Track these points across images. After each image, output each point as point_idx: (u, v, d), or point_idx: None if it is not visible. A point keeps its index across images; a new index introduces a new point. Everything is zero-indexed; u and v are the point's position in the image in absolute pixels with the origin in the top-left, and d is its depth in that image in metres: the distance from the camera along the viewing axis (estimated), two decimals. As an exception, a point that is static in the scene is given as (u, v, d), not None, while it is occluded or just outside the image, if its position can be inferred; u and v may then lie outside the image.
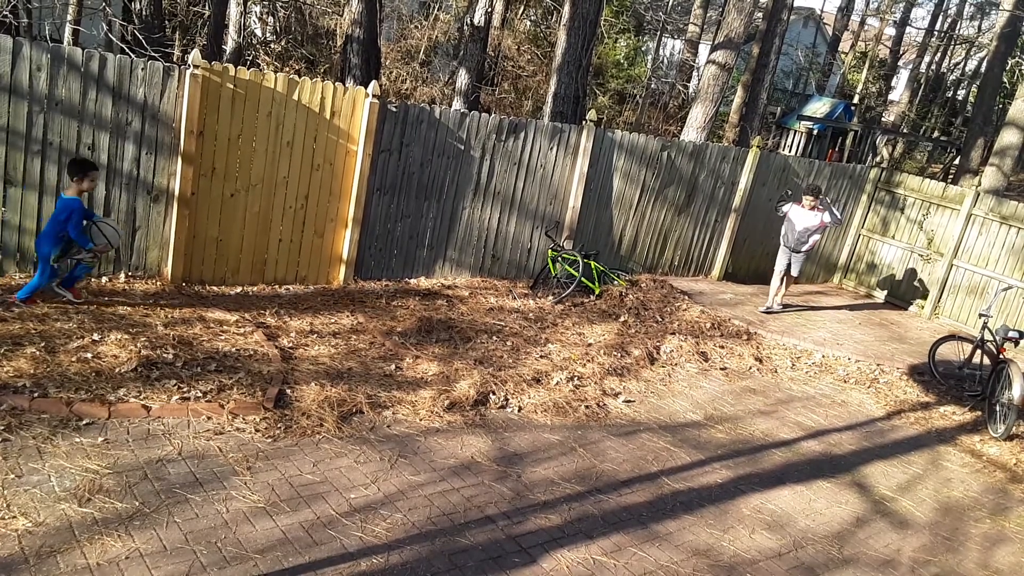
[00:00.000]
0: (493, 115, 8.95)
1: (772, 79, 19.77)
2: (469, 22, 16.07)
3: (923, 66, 32.78)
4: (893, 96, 34.98)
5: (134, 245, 7.09)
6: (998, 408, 7.60)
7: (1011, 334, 7.95)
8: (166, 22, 15.11)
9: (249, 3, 16.60)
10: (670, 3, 26.82)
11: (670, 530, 5.02)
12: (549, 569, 4.41)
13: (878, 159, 20.70)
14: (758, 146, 11.05)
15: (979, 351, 8.48)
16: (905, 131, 27.72)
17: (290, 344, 6.52)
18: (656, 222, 10.53)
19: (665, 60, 29.85)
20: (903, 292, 12.05)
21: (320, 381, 5.89)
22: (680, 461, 5.96)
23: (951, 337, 8.94)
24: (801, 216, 9.75)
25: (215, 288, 7.48)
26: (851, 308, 11.43)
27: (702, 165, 10.61)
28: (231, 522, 4.25)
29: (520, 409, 6.26)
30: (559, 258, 9.31)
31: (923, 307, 11.68)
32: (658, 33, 26.97)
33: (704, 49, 25.18)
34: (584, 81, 12.31)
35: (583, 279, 9.11)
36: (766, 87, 19.27)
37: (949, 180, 20.87)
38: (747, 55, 21.89)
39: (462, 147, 8.58)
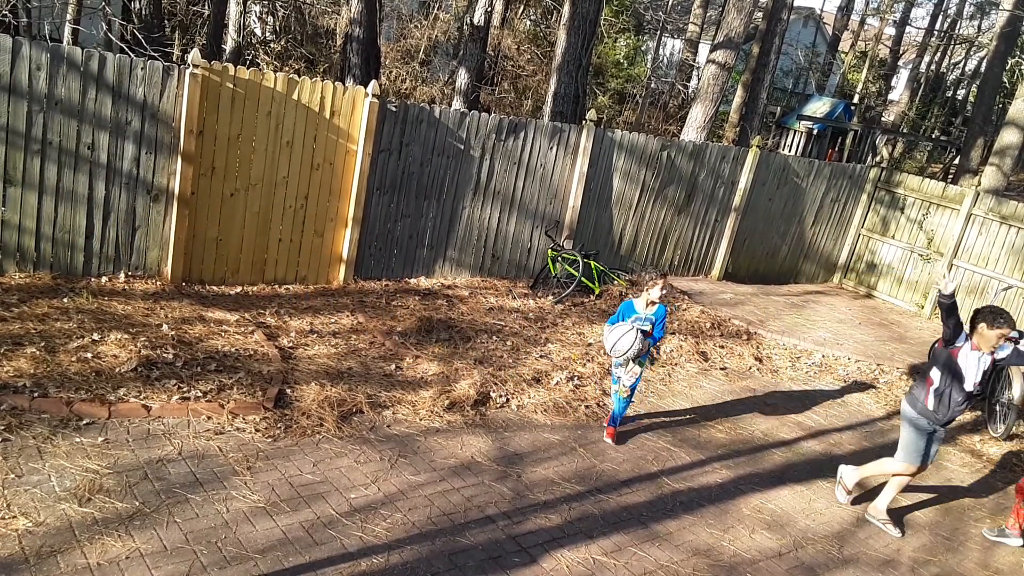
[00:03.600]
0: (493, 114, 8.95)
1: (772, 79, 19.76)
2: (469, 21, 16.07)
3: (923, 66, 32.79)
4: (893, 96, 34.99)
5: (134, 245, 7.09)
6: (998, 408, 7.60)
7: (1011, 334, 7.93)
8: (166, 22, 15.11)
9: (249, 3, 16.59)
10: (670, 3, 26.82)
11: (670, 530, 5.03)
12: (549, 569, 4.41)
13: (878, 159, 20.70)
14: (758, 146, 11.05)
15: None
16: (905, 131, 27.73)
17: (290, 344, 6.51)
18: (656, 222, 10.53)
19: (665, 60, 29.85)
20: (903, 292, 12.05)
21: (320, 381, 5.88)
22: (680, 461, 5.96)
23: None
24: (975, 363, 5.25)
25: (215, 288, 7.48)
26: (851, 308, 11.43)
27: (702, 165, 10.61)
28: (231, 522, 4.25)
29: (520, 409, 6.26)
30: (559, 258, 9.30)
31: (923, 307, 11.68)
32: (658, 33, 26.97)
33: (704, 49, 25.17)
34: (584, 81, 12.31)
35: (583, 279, 9.10)
36: (766, 87, 19.26)
37: (949, 180, 20.87)
38: (747, 55, 21.88)
39: (462, 147, 8.58)
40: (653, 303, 5.66)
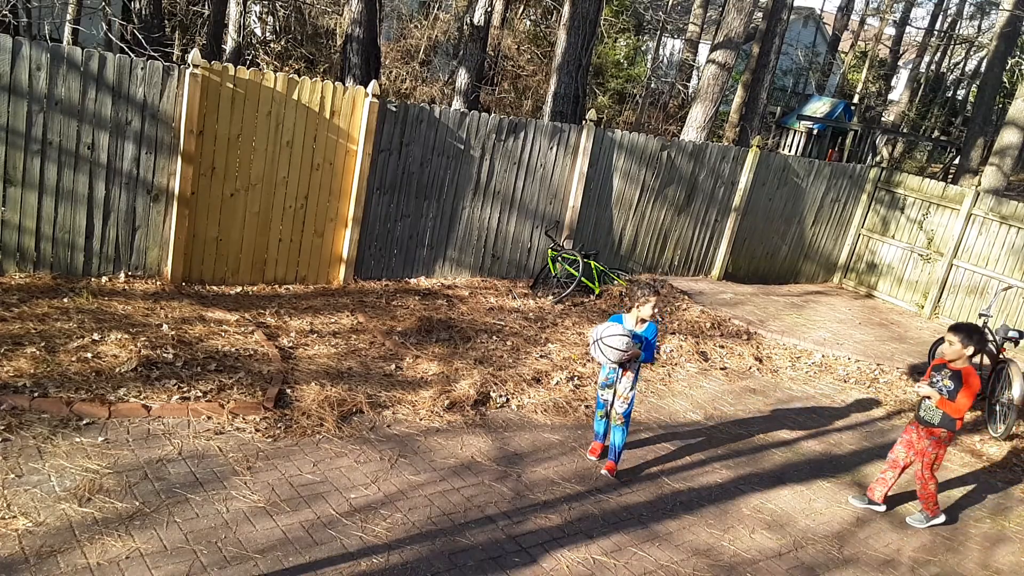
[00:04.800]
0: (493, 114, 8.95)
1: (772, 79, 19.76)
2: (469, 21, 16.06)
3: (923, 66, 32.79)
4: (893, 96, 34.99)
5: (134, 245, 7.09)
6: (998, 408, 7.60)
7: (1011, 334, 7.94)
8: (166, 22, 15.11)
9: (249, 3, 16.59)
10: (670, 3, 26.81)
11: (670, 530, 5.02)
12: (549, 569, 4.41)
13: (878, 159, 20.70)
14: (758, 146, 11.05)
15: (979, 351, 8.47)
16: (905, 131, 27.72)
17: (290, 344, 6.51)
18: (656, 222, 10.53)
19: (665, 60, 29.83)
20: (903, 292, 12.05)
21: (320, 381, 5.88)
22: (680, 461, 5.96)
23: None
24: None
25: (215, 288, 7.48)
26: (851, 308, 11.43)
27: (702, 165, 10.61)
28: (231, 522, 4.25)
29: (520, 409, 6.26)
30: (559, 258, 9.30)
31: (923, 307, 11.68)
32: (658, 33, 26.95)
33: (704, 49, 25.17)
34: (584, 81, 12.30)
35: (583, 279, 9.10)
36: (766, 87, 19.25)
37: (949, 180, 20.87)
38: (747, 55, 21.88)
39: (462, 147, 8.58)
40: (643, 320, 5.29)
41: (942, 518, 5.72)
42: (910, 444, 5.63)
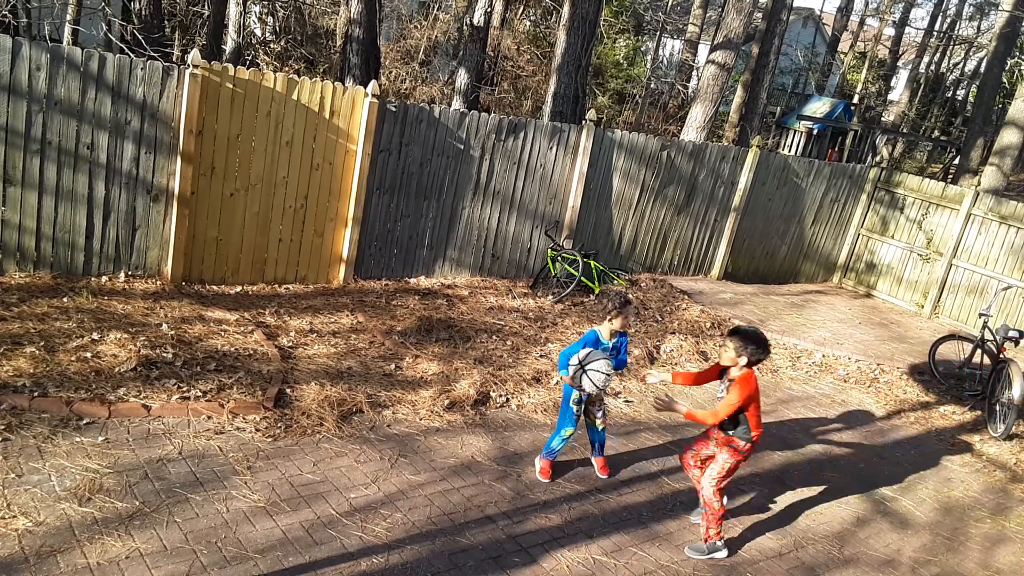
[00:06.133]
0: (492, 115, 8.95)
1: (772, 79, 19.76)
2: (468, 22, 16.06)
3: (922, 66, 32.80)
4: (893, 96, 35.00)
5: (134, 245, 7.09)
6: (998, 408, 7.60)
7: (1011, 334, 7.95)
8: (165, 22, 15.11)
9: (249, 3, 16.59)
10: (670, 3, 26.81)
11: (670, 530, 5.03)
12: (549, 569, 4.41)
13: (878, 159, 20.71)
14: (758, 146, 11.05)
15: (979, 351, 8.47)
16: (905, 131, 27.73)
17: (290, 343, 6.51)
18: (656, 221, 10.53)
19: (665, 60, 29.84)
20: (903, 291, 12.05)
21: (320, 380, 5.88)
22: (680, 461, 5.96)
23: (951, 337, 8.93)
24: None
25: (215, 288, 7.48)
26: (851, 308, 11.43)
27: (702, 165, 10.61)
28: (231, 522, 4.25)
29: (520, 408, 6.26)
30: (559, 257, 9.30)
31: (923, 307, 11.68)
32: (657, 33, 26.95)
33: (704, 49, 25.17)
34: (584, 81, 12.31)
35: (583, 278, 9.10)
36: (766, 87, 19.26)
37: (949, 180, 20.87)
38: (747, 55, 21.88)
39: (462, 147, 8.58)
40: (615, 333, 5.28)
41: (724, 552, 4.79)
42: (695, 454, 5.04)
